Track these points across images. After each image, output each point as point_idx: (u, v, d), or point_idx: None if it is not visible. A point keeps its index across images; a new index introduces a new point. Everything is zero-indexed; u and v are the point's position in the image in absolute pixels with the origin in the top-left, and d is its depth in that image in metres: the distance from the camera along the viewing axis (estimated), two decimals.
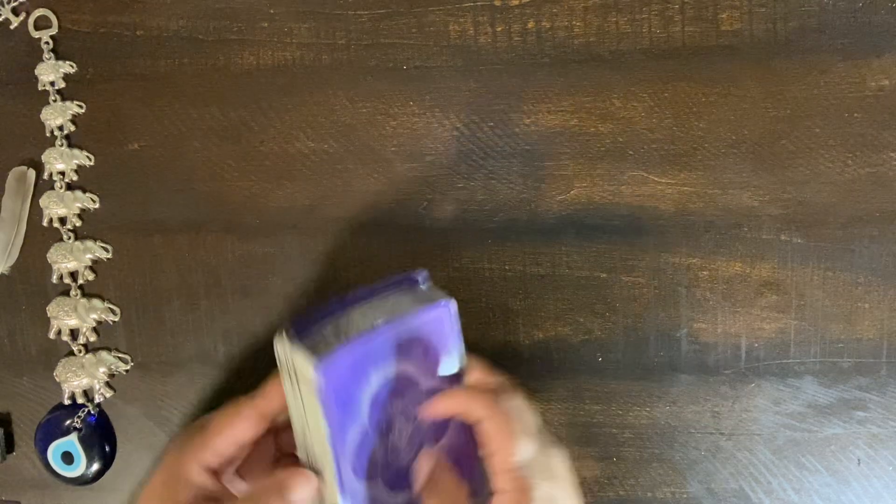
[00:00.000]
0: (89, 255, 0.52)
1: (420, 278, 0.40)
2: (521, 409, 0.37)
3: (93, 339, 0.53)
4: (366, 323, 0.36)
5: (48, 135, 0.52)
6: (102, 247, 0.52)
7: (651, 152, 0.48)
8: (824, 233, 0.47)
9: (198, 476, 0.37)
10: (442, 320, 0.38)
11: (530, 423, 0.37)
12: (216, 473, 0.37)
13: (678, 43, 0.47)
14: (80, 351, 0.53)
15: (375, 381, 0.37)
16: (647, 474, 0.50)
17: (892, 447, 0.48)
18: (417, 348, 0.38)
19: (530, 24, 0.48)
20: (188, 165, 0.51)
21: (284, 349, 0.35)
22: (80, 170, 0.52)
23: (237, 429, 0.37)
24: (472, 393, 0.38)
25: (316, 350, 0.34)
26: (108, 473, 0.53)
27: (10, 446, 0.54)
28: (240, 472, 0.39)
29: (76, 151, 0.52)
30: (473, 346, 0.40)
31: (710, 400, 0.49)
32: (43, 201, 0.52)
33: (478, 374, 0.40)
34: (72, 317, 0.52)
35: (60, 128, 0.52)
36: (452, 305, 0.38)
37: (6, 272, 0.53)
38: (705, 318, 0.48)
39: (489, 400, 0.37)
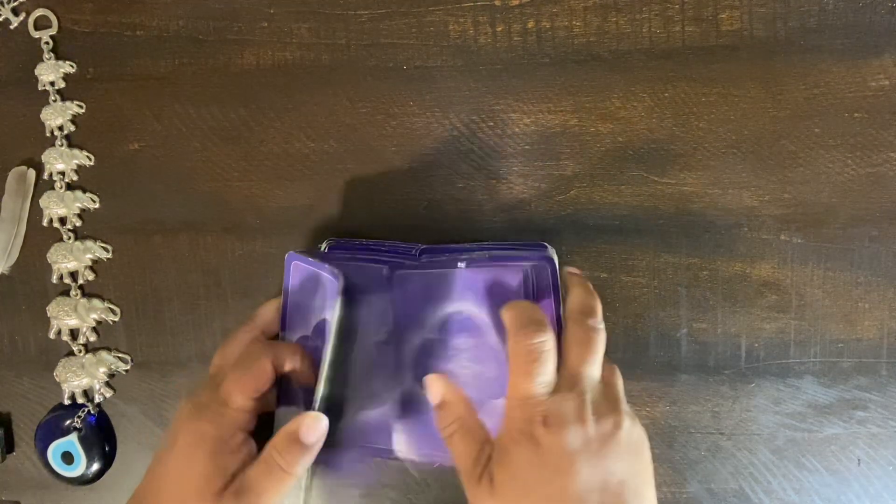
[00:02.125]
0: (89, 255, 0.52)
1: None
2: (544, 349, 0.37)
3: (93, 339, 0.53)
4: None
5: (48, 135, 0.52)
6: (102, 247, 0.52)
7: (651, 152, 0.48)
8: (824, 233, 0.47)
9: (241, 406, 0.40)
10: (542, 272, 0.42)
11: (547, 366, 0.37)
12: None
13: (678, 43, 0.47)
14: (80, 351, 0.53)
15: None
16: None
17: (892, 447, 0.48)
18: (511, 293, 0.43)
19: (530, 24, 0.48)
20: (188, 165, 0.51)
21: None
22: (80, 170, 0.52)
23: (255, 385, 0.40)
24: (510, 316, 0.38)
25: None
26: (108, 473, 0.53)
27: (10, 446, 0.54)
28: None
29: (76, 151, 0.52)
30: None
31: (710, 400, 0.49)
32: (43, 201, 0.52)
33: (574, 293, 0.41)
34: (72, 317, 0.52)
35: (60, 128, 0.52)
36: (552, 259, 0.42)
37: (6, 272, 0.53)
38: (705, 318, 0.48)
39: (515, 329, 0.37)
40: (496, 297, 0.42)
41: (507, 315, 0.39)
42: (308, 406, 0.40)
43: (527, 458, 0.35)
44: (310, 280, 0.43)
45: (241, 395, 0.39)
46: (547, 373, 0.36)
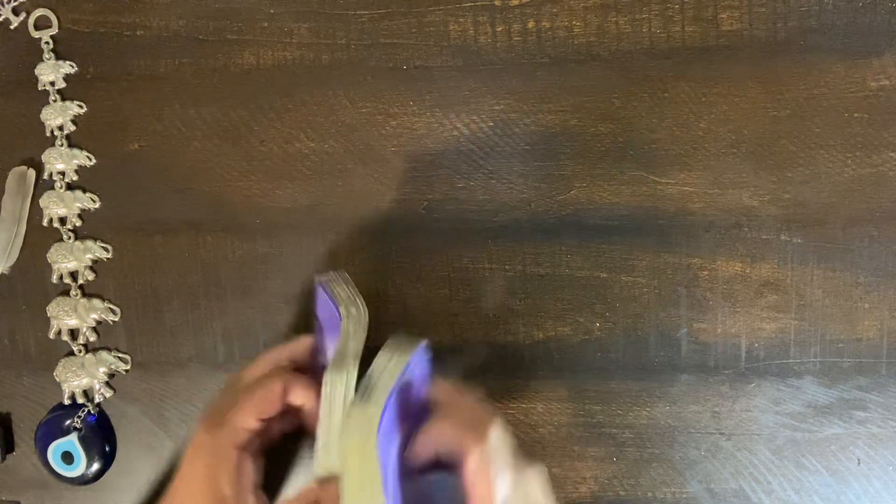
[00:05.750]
0: (89, 255, 0.52)
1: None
2: (499, 441, 0.36)
3: (93, 339, 0.53)
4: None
5: (48, 135, 0.52)
6: (102, 247, 0.52)
7: (651, 152, 0.48)
8: (824, 233, 0.47)
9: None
10: (418, 362, 0.39)
11: (506, 456, 0.36)
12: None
13: (678, 43, 0.47)
14: (80, 351, 0.53)
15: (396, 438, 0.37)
16: (647, 474, 0.50)
17: (892, 447, 0.48)
18: (413, 400, 0.38)
19: (530, 24, 0.48)
20: (188, 165, 0.51)
21: (347, 388, 0.36)
22: (80, 170, 0.52)
23: (262, 409, 0.39)
24: (453, 431, 0.36)
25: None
26: (108, 473, 0.53)
27: (10, 446, 0.54)
28: None
29: (76, 151, 0.52)
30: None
31: (710, 400, 0.49)
32: (43, 201, 0.52)
33: (450, 398, 0.39)
34: (72, 317, 0.52)
35: (60, 128, 0.52)
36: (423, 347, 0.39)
37: (6, 272, 0.53)
38: (705, 318, 0.48)
39: (468, 438, 0.35)
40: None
41: (441, 436, 0.36)
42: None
43: None
44: (328, 315, 0.42)
45: (247, 416, 0.39)
46: (507, 467, 0.35)
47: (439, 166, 0.49)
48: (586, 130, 0.48)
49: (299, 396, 0.40)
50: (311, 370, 0.43)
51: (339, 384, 0.36)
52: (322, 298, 0.44)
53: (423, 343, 0.38)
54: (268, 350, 0.44)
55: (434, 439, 0.36)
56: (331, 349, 0.41)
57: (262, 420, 0.39)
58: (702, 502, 0.50)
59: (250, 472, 0.39)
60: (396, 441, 0.37)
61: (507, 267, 0.49)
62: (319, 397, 0.37)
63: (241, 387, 0.41)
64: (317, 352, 0.44)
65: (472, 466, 0.35)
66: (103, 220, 0.52)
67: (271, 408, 0.39)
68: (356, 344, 0.38)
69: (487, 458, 0.35)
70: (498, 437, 0.36)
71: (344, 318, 0.39)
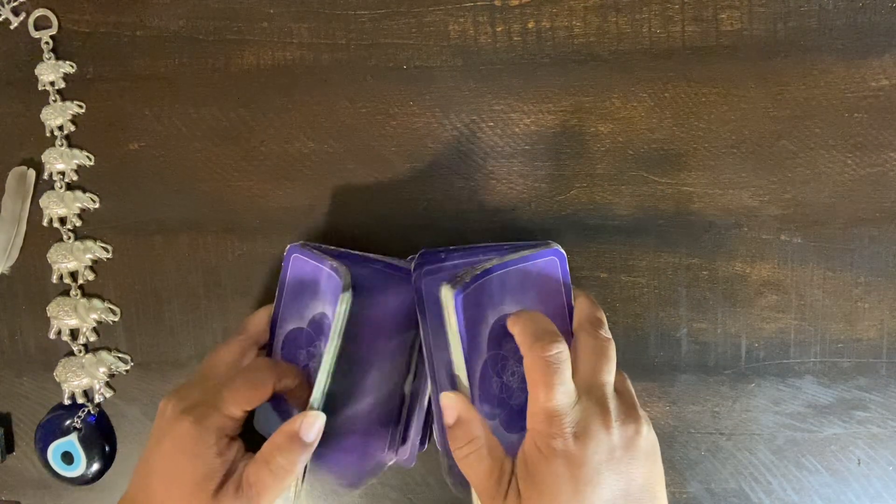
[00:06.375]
0: (89, 255, 0.52)
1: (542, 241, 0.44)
2: (562, 359, 0.36)
3: (93, 339, 0.53)
4: (483, 265, 0.40)
5: (48, 135, 0.52)
6: (102, 247, 0.52)
7: (651, 152, 0.48)
8: (824, 233, 0.47)
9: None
10: (552, 266, 0.41)
11: (566, 375, 0.36)
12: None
13: (678, 43, 0.47)
14: (80, 351, 0.53)
15: (491, 319, 0.40)
16: None
17: (892, 447, 0.48)
18: (529, 292, 0.41)
19: (530, 24, 0.48)
20: (188, 165, 0.51)
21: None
22: (80, 170, 0.52)
23: (253, 399, 0.40)
24: (520, 328, 0.38)
25: (451, 283, 0.38)
26: (108, 473, 0.53)
27: (10, 446, 0.54)
28: None
29: (76, 151, 0.52)
30: None
31: (710, 400, 0.49)
32: (43, 201, 0.52)
33: (580, 305, 0.41)
34: (72, 317, 0.52)
35: (60, 128, 0.52)
36: (562, 253, 0.42)
37: (6, 272, 0.53)
38: (705, 318, 0.48)
39: (530, 342, 0.37)
40: (541, 294, 0.41)
41: (516, 327, 0.38)
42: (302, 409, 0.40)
43: (558, 473, 0.35)
44: (309, 274, 0.43)
45: (237, 406, 0.39)
46: (567, 383, 0.36)
47: (439, 166, 0.49)
48: (586, 130, 0.48)
49: (289, 383, 0.41)
50: (270, 341, 0.45)
51: (343, 302, 0.39)
52: (295, 262, 0.45)
53: (550, 248, 0.41)
54: (230, 337, 0.44)
55: (509, 325, 0.39)
56: (302, 304, 0.44)
57: (250, 409, 0.40)
58: (702, 502, 0.50)
59: (240, 446, 0.40)
60: (489, 318, 0.40)
61: None
62: (305, 382, 0.41)
63: (218, 375, 0.41)
64: (274, 321, 0.45)
65: (526, 364, 0.37)
66: (103, 220, 0.52)
67: (260, 398, 0.40)
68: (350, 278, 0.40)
69: (542, 364, 0.36)
70: (563, 354, 0.37)
71: (337, 266, 0.41)
